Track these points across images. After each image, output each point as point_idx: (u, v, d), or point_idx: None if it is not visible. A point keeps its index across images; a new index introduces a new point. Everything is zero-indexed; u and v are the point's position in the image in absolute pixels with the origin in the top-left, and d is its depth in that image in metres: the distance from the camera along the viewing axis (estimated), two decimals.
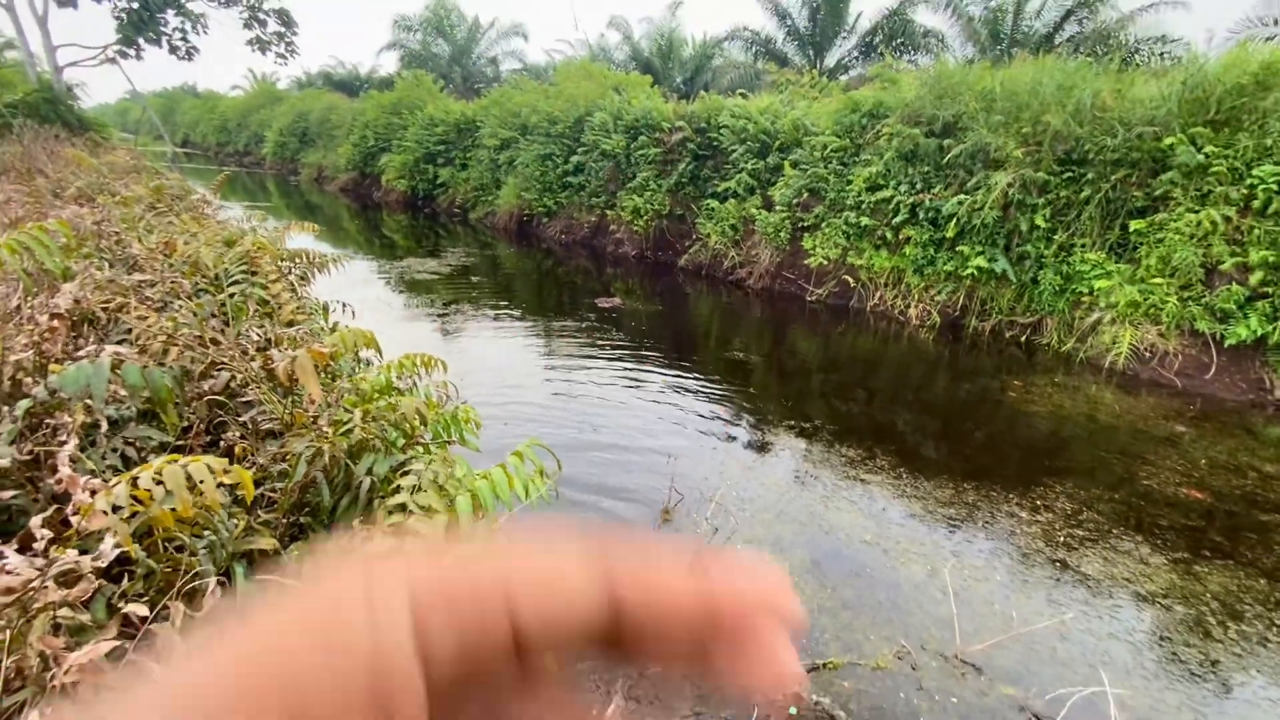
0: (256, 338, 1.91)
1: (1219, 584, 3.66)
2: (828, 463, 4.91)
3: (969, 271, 8.32)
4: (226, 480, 1.10)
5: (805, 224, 10.24)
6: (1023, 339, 8.21)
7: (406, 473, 1.27)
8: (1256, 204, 6.56)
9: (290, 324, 2.21)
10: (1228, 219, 6.69)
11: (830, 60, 21.13)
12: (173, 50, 19.87)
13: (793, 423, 5.64)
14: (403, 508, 1.17)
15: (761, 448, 5.22)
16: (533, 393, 5.99)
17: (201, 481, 0.99)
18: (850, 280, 9.71)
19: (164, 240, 2.65)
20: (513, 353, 7.20)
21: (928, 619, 3.25)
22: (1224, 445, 5.55)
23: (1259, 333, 6.46)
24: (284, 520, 1.29)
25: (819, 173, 10.00)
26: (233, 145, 36.23)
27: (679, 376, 6.67)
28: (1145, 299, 7.08)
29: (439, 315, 8.57)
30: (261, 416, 1.53)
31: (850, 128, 9.90)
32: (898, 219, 8.97)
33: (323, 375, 2.06)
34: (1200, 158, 6.89)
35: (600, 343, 7.75)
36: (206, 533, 1.12)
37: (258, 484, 1.37)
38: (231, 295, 2.29)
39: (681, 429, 5.38)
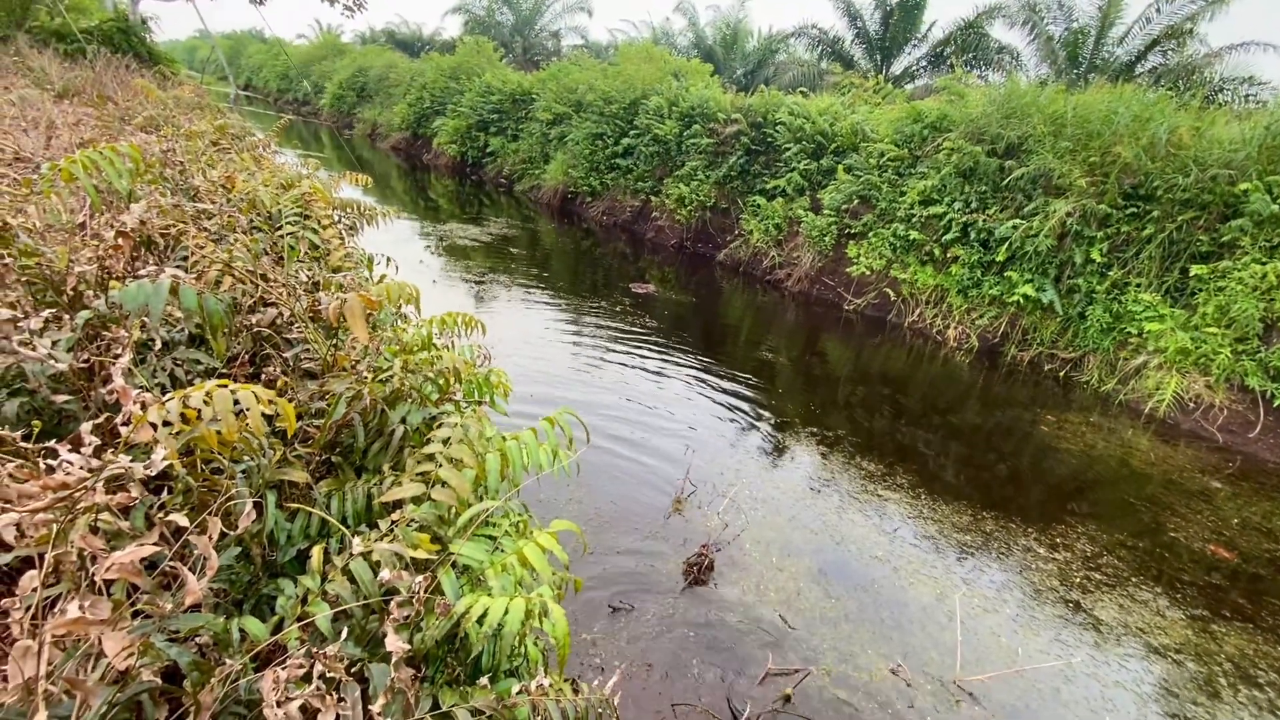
0: (305, 279, 1.95)
1: (1235, 646, 3.54)
2: (846, 474, 4.86)
3: (1015, 298, 8.10)
4: (269, 410, 1.13)
5: (852, 231, 10.07)
6: (1062, 374, 7.98)
7: (440, 425, 1.29)
8: None
9: (338, 270, 2.25)
10: None
11: (897, 67, 20.62)
12: None
13: (815, 430, 5.59)
14: (432, 458, 1.19)
15: (781, 450, 5.19)
16: (559, 367, 6.03)
17: (247, 409, 1.02)
18: (891, 294, 9.54)
19: (226, 175, 2.72)
20: (543, 326, 7.25)
21: (930, 642, 3.22)
22: (1259, 507, 5.34)
23: None
24: (318, 456, 1.32)
25: (872, 180, 9.81)
26: (292, 93, 36.87)
27: (705, 369, 6.65)
28: (1197, 347, 6.82)
29: (475, 281, 8.67)
30: (305, 355, 1.57)
31: (910, 138, 9.66)
32: (948, 236, 8.77)
33: (367, 323, 2.11)
34: (1275, 207, 6.58)
35: (630, 327, 7.75)
36: (246, 458, 1.16)
37: (298, 419, 1.41)
38: (285, 235, 2.34)
39: (702, 421, 5.37)
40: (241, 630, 0.92)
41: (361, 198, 7.38)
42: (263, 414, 1.17)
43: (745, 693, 2.77)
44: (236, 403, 1.04)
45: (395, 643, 0.80)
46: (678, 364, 6.68)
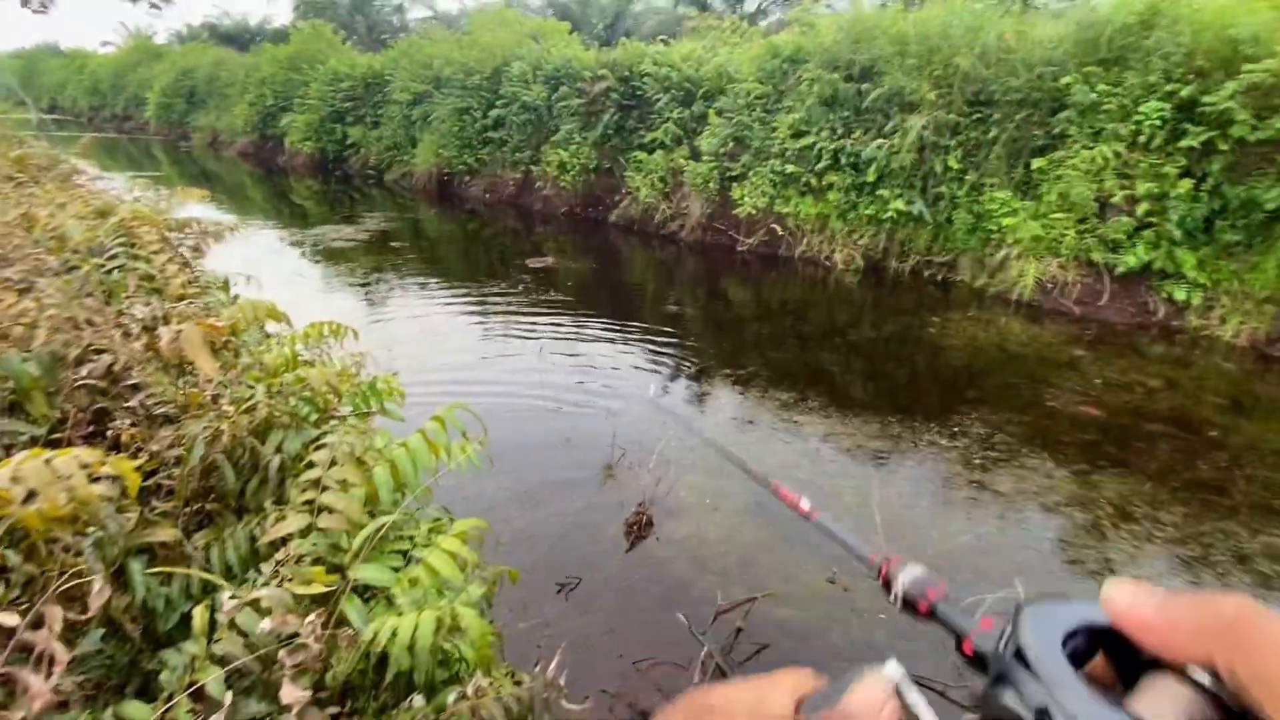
0: (141, 315, 1.73)
1: (1112, 490, 4.04)
2: (764, 407, 5.05)
3: (889, 215, 8.58)
4: (108, 470, 0.99)
5: (733, 174, 10.24)
6: (940, 277, 8.60)
7: (320, 447, 1.20)
8: (1142, 139, 7.01)
9: (181, 299, 2.01)
10: (1117, 154, 7.13)
11: (750, 4, 20.84)
12: (24, 2, 17.44)
13: (729, 371, 5.75)
14: (316, 484, 1.10)
15: (701, 397, 5.31)
16: (468, 358, 5.83)
17: (70, 476, 0.89)
18: (778, 229, 9.85)
19: (22, 214, 2.34)
20: (444, 319, 6.96)
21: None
22: (1116, 365, 6.06)
23: (1145, 260, 7.01)
24: (186, 509, 1.19)
25: (744, 120, 9.96)
26: (109, 109, 32.60)
27: (617, 333, 6.64)
28: (1047, 233, 7.52)
29: (361, 285, 8.15)
30: (152, 400, 1.39)
31: (772, 74, 9.85)
32: (821, 165, 9.10)
33: (223, 352, 1.91)
34: (1093, 96, 7.27)
35: (534, 304, 7.59)
36: (91, 529, 1.02)
37: (153, 472, 1.26)
38: (109, 271, 2.05)
39: (622, 385, 5.38)
40: (119, 719, 0.83)
41: (208, 214, 6.69)
42: (102, 477, 1.03)
43: (701, 635, 2.87)
44: (56, 472, 0.90)
45: (292, 693, 0.74)
46: (590, 331, 6.63)
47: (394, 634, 0.87)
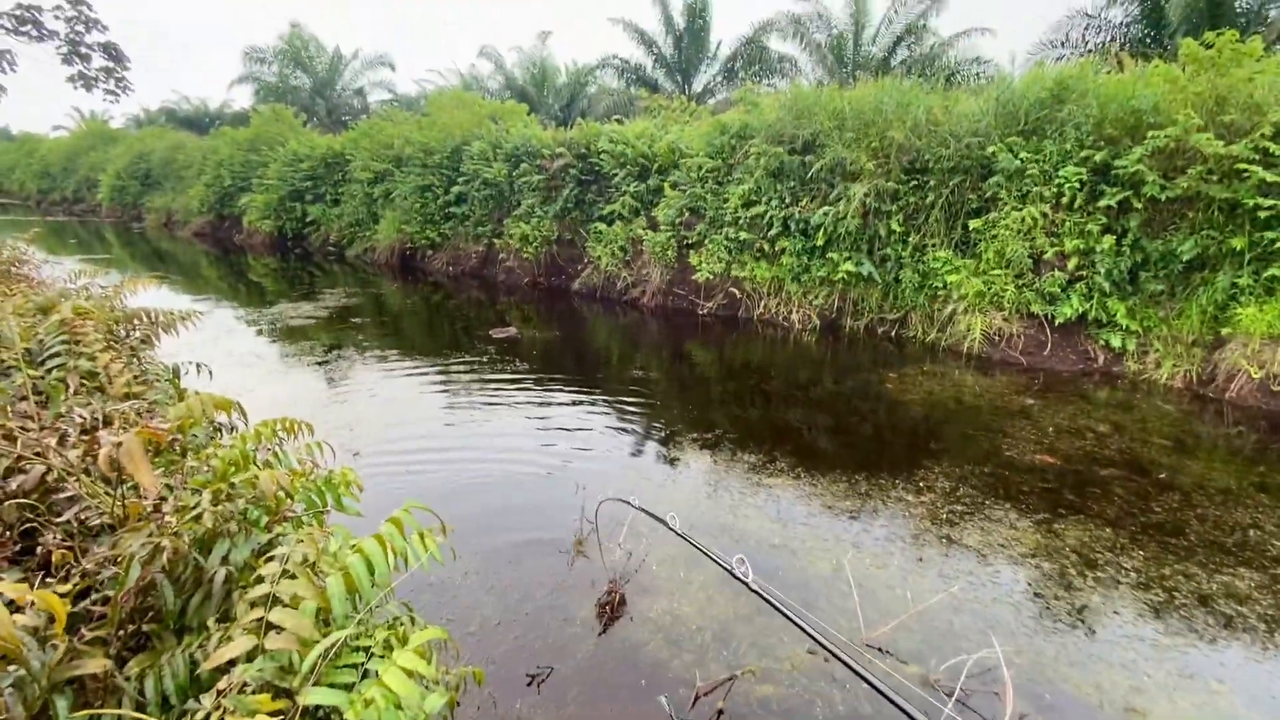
0: (81, 419, 1.64)
1: (1074, 537, 4.11)
2: (732, 471, 5.05)
3: (840, 276, 8.94)
4: (32, 598, 0.92)
5: (690, 241, 10.60)
6: (893, 333, 8.91)
7: (271, 559, 1.14)
8: (1065, 200, 7.57)
9: (127, 397, 1.92)
10: (1044, 214, 7.67)
11: (698, 85, 22.18)
12: None
13: (695, 435, 5.75)
14: (266, 599, 1.04)
15: (670, 463, 5.28)
16: (431, 436, 5.70)
17: None
18: (737, 292, 10.14)
19: None
20: (406, 395, 6.83)
21: (835, 611, 3.39)
22: (1065, 412, 6.29)
23: (1080, 310, 7.42)
24: (120, 633, 1.10)
25: (697, 192, 10.41)
26: (59, 191, 32.18)
27: (582, 402, 6.62)
28: (989, 288, 7.93)
29: (320, 363, 7.99)
30: (88, 512, 1.31)
31: (721, 149, 10.40)
32: (773, 232, 9.50)
33: (170, 453, 1.83)
34: (1017, 163, 7.87)
35: (499, 375, 7.54)
36: (13, 667, 0.93)
37: (85, 593, 1.17)
38: (49, 371, 1.96)
39: (589, 454, 5.32)
40: None
41: (165, 298, 6.54)
42: (24, 608, 0.95)
43: (682, 719, 2.75)
44: None
45: None
46: (555, 401, 6.59)
47: None
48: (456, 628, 3.25)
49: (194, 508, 1.24)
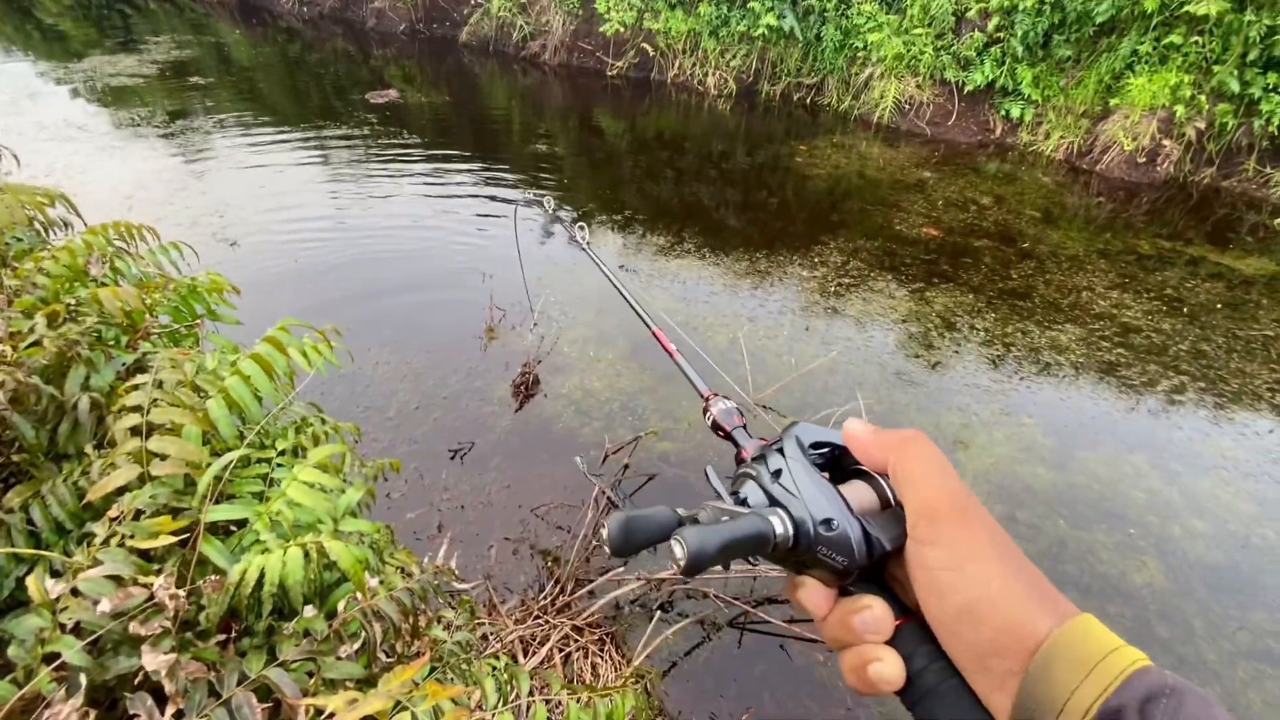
0: None
1: (941, 304, 4.60)
2: (641, 252, 5.08)
3: (760, 31, 8.18)
4: None
5: None
6: (808, 100, 8.56)
7: (135, 388, 1.07)
8: None
9: None
10: None
11: None
12: None
13: (606, 215, 5.63)
14: (137, 431, 1.00)
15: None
16: (315, 223, 5.23)
17: None
18: (649, 49, 9.14)
19: None
20: (279, 173, 6.07)
21: (731, 378, 3.77)
22: (956, 185, 6.57)
23: (990, 77, 7.33)
24: None
25: None
26: None
27: (482, 180, 6.17)
28: (908, 50, 7.57)
29: (165, 136, 6.79)
30: None
31: None
32: None
33: None
34: None
35: (386, 148, 6.78)
36: None
37: None
38: None
39: (495, 237, 5.14)
40: None
41: None
42: None
43: (593, 475, 3.13)
44: None
45: (154, 660, 0.74)
46: (453, 180, 6.10)
47: (262, 574, 0.88)
48: (374, 415, 3.37)
49: (29, 333, 1.11)
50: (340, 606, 1.10)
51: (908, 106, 7.78)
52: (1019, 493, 3.19)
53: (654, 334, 0.80)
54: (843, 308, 4.50)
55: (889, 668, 0.37)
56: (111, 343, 1.29)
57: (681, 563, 0.37)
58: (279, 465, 1.21)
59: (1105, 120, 6.95)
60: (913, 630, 0.38)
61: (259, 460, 1.23)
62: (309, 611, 1.06)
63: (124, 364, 1.25)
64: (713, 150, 7.45)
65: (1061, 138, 7.18)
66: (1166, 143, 6.62)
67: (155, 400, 1.04)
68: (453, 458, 3.18)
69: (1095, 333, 4.40)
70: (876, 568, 0.41)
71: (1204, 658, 2.54)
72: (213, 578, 0.90)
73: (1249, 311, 4.77)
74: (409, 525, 2.81)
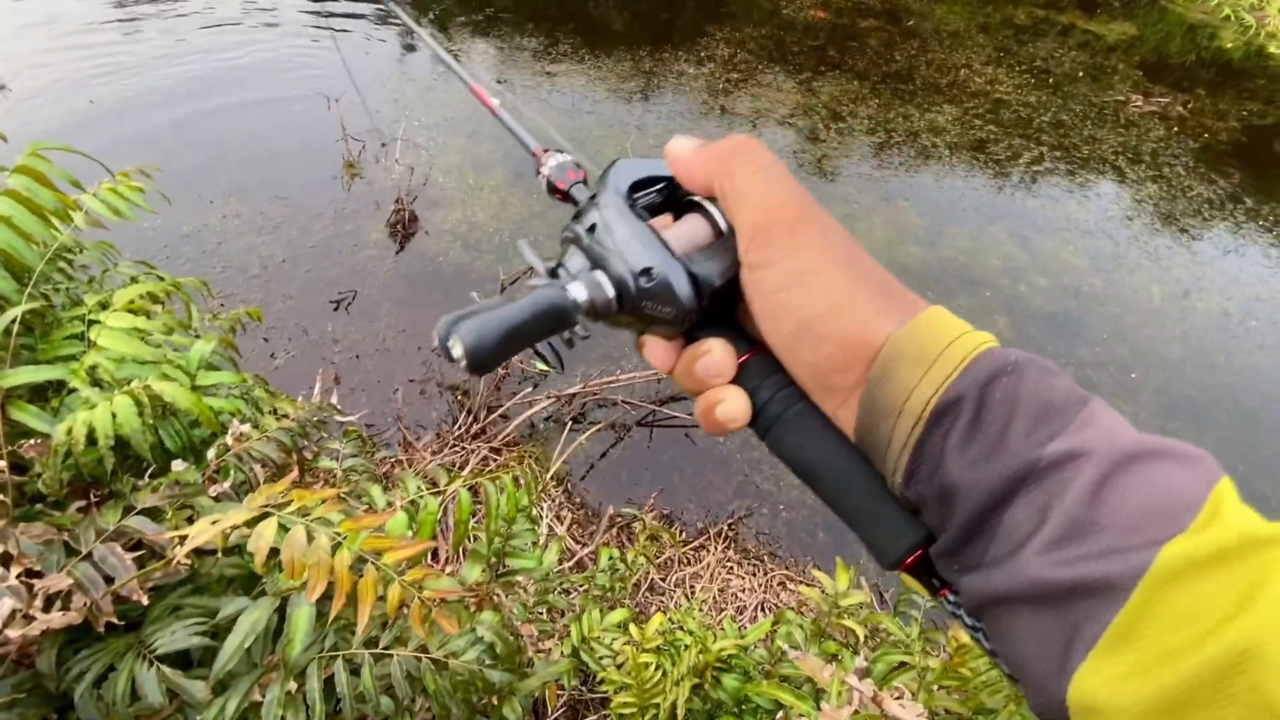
0: None
1: (828, 93, 4.50)
2: (512, 61, 4.53)
3: None
4: None
5: None
6: None
7: None
8: None
9: None
10: None
11: None
12: None
13: (464, 18, 4.89)
14: None
15: (435, 58, 4.56)
16: (104, 49, 4.23)
17: None
18: None
19: None
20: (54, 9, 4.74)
21: None
22: None
23: None
24: None
25: None
26: None
27: None
28: None
29: None
30: None
31: None
32: None
33: None
34: None
35: None
36: None
37: None
38: None
39: (334, 58, 4.39)
40: None
41: None
42: None
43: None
44: None
45: None
46: None
47: (90, 430, 0.79)
48: (235, 274, 3.05)
49: None
50: (211, 455, 1.05)
51: None
52: (895, 273, 3.41)
53: (472, 90, 0.68)
54: (732, 105, 4.31)
55: (731, 406, 0.35)
56: None
57: (463, 363, 0.32)
58: (94, 322, 1.07)
59: None
60: (759, 364, 0.36)
61: (73, 319, 1.08)
62: (178, 465, 1.01)
63: None
64: None
65: None
66: None
67: None
68: (336, 309, 2.99)
69: (970, 111, 4.50)
70: (725, 307, 0.37)
71: None
72: (33, 441, 0.82)
73: (1106, 80, 4.99)
74: (303, 382, 2.69)
